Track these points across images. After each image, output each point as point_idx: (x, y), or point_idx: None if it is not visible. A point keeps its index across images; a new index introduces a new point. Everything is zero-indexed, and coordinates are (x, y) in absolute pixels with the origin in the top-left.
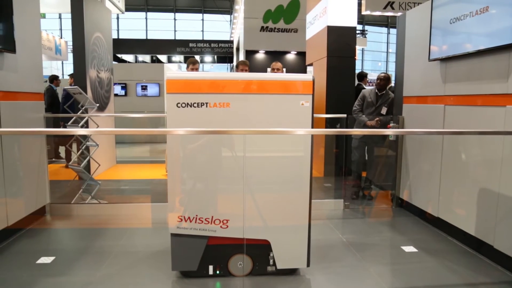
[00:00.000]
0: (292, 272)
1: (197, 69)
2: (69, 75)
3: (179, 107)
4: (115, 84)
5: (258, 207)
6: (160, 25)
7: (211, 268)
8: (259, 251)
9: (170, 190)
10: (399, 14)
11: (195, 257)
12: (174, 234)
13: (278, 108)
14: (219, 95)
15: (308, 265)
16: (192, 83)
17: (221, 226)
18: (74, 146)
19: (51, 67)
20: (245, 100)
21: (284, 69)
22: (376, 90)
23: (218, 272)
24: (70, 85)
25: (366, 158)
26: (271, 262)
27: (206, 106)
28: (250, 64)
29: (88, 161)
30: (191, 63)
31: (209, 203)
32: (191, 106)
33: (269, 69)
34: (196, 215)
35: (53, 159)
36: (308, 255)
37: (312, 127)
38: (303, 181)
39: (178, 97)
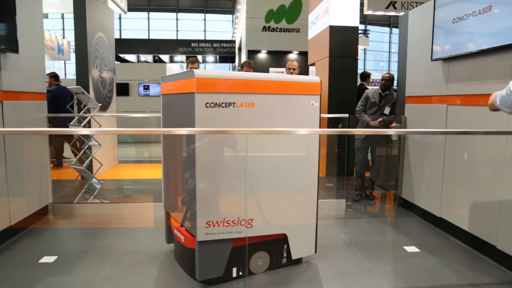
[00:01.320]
0: (299, 261)
1: (195, 69)
2: (47, 75)
3: (208, 107)
4: (117, 84)
5: (278, 204)
6: (162, 25)
7: (234, 270)
8: (276, 245)
9: (199, 197)
10: (401, 13)
11: (221, 262)
12: (202, 241)
13: (295, 108)
14: (244, 95)
15: (315, 251)
16: (221, 83)
17: (246, 226)
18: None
19: (53, 67)
20: (267, 100)
21: (285, 70)
22: (380, 91)
23: (241, 273)
24: (50, 85)
25: (369, 158)
26: (285, 254)
27: (233, 106)
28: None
29: (91, 161)
30: (190, 63)
31: (235, 204)
32: (219, 106)
33: (271, 70)
34: (224, 218)
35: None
36: (316, 242)
37: (320, 127)
38: (313, 176)
39: (207, 96)
